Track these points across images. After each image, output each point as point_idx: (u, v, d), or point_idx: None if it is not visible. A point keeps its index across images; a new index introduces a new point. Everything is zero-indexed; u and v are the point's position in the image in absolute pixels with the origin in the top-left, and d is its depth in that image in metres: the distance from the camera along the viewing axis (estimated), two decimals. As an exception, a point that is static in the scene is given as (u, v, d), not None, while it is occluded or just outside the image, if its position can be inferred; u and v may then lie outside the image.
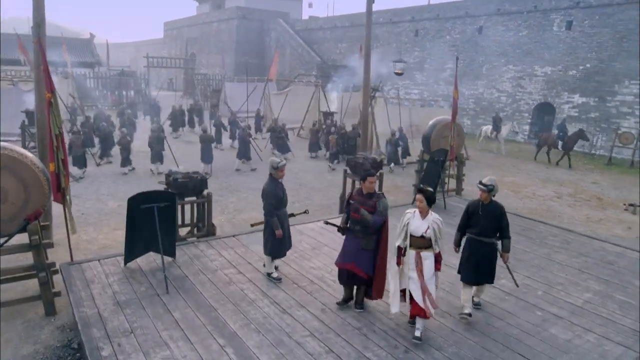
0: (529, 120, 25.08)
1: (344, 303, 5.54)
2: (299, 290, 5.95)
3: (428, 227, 4.81)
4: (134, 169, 14.36)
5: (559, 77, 23.69)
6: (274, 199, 5.98)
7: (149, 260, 6.53)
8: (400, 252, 5.02)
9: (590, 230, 10.42)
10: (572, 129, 23.45)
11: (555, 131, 21.45)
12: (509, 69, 25.80)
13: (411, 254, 4.91)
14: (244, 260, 6.74)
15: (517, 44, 25.22)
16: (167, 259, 6.55)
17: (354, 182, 10.48)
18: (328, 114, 20.63)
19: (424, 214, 4.88)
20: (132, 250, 6.25)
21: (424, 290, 4.78)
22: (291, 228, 8.05)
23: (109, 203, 11.30)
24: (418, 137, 18.36)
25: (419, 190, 4.94)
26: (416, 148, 17.49)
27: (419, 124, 19.18)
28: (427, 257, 4.88)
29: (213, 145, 15.22)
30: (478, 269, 5.39)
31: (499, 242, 5.45)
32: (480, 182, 5.41)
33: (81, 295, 5.53)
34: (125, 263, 6.33)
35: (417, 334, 4.87)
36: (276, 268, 6.41)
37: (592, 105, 22.55)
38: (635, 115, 21.04)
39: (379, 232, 5.29)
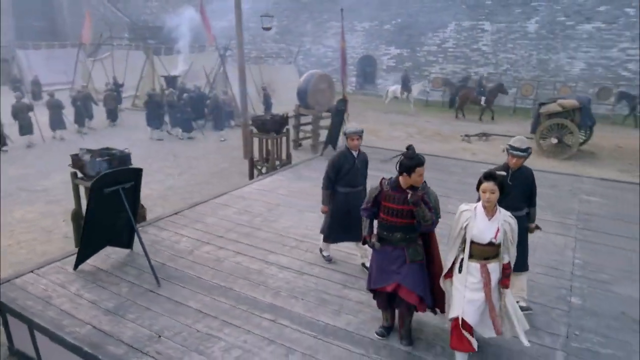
0: (355, 73, 27.39)
1: (387, 333, 4.09)
2: (295, 251, 5.71)
3: (498, 230, 3.40)
4: None
5: (376, 32, 26.23)
6: (331, 170, 5.05)
7: (101, 257, 5.36)
8: (454, 266, 3.64)
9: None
10: (392, 79, 26.53)
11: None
12: (332, 25, 27.37)
13: (474, 267, 3.48)
14: (213, 235, 6.08)
15: (337, 1, 26.80)
16: (125, 250, 5.50)
17: (260, 141, 10.17)
18: (171, 79, 18.92)
19: (490, 212, 3.44)
20: (89, 248, 5.03)
21: (493, 314, 3.48)
22: (230, 194, 7.60)
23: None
24: (271, 94, 18.54)
25: (488, 177, 3.41)
26: (274, 105, 17.70)
27: (269, 81, 19.19)
28: (494, 270, 3.49)
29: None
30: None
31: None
32: (512, 147, 4.27)
33: (50, 316, 4.28)
34: (77, 266, 5.07)
35: None
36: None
37: (405, 56, 25.76)
38: (440, 62, 24.90)
39: (426, 235, 3.93)
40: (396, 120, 19.00)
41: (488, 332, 3.57)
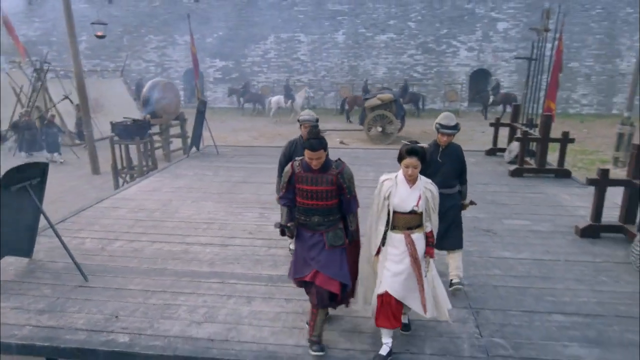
0: (181, 87, 27.08)
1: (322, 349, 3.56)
2: (209, 231, 5.99)
3: (420, 198, 3.38)
4: None
5: (199, 45, 26.29)
6: (283, 158, 4.83)
7: (-3, 271, 4.84)
8: (381, 239, 3.49)
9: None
10: (220, 90, 27.07)
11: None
12: (151, 39, 26.60)
13: (398, 239, 3.42)
14: (117, 232, 5.92)
15: (154, 15, 26.21)
16: (23, 259, 5.07)
17: (121, 147, 9.78)
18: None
19: (412, 180, 3.41)
20: (-10, 258, 4.53)
21: (421, 289, 3.39)
22: (113, 198, 7.39)
23: None
24: (98, 110, 17.44)
25: (410, 152, 3.31)
26: (103, 122, 16.66)
27: (96, 96, 17.90)
28: (419, 240, 3.43)
29: None
30: (445, 229, 4.24)
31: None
32: (442, 125, 4.21)
33: (-27, 328, 3.85)
34: (-25, 282, 4.52)
35: (384, 350, 3.45)
36: None
37: (231, 67, 26.62)
38: (265, 72, 26.43)
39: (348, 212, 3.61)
40: (237, 127, 19.71)
41: (414, 305, 3.43)
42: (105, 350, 3.59)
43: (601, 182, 5.59)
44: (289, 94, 21.36)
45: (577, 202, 7.07)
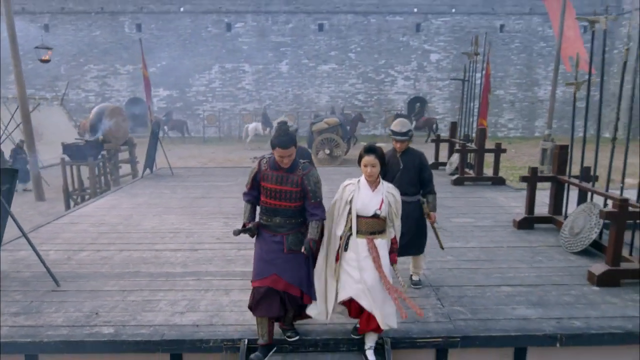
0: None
1: (266, 351, 3.55)
2: (177, 239, 6.12)
3: (382, 201, 3.39)
4: None
5: (141, 74, 26.22)
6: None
7: (-41, 283, 4.71)
8: (341, 245, 3.44)
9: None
10: (165, 119, 26.78)
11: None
12: (90, 69, 26.07)
13: (360, 244, 3.37)
14: (82, 244, 5.90)
15: (93, 44, 25.80)
16: None
17: (72, 168, 9.60)
18: None
19: (374, 184, 3.43)
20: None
21: (390, 291, 3.33)
22: (71, 215, 7.33)
23: None
24: (38, 139, 16.83)
25: (368, 150, 3.40)
26: (41, 151, 16.10)
27: (35, 125, 17.26)
28: (382, 245, 3.42)
29: None
30: (403, 234, 4.04)
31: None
32: (393, 132, 4.34)
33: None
34: (-62, 292, 4.38)
35: (370, 356, 3.49)
36: None
37: (175, 97, 26.58)
38: (210, 101, 26.62)
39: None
40: (183, 154, 19.65)
41: (389, 316, 3.38)
42: (92, 340, 3.67)
43: (532, 178, 6.38)
44: (267, 122, 21.10)
45: (513, 203, 7.90)
